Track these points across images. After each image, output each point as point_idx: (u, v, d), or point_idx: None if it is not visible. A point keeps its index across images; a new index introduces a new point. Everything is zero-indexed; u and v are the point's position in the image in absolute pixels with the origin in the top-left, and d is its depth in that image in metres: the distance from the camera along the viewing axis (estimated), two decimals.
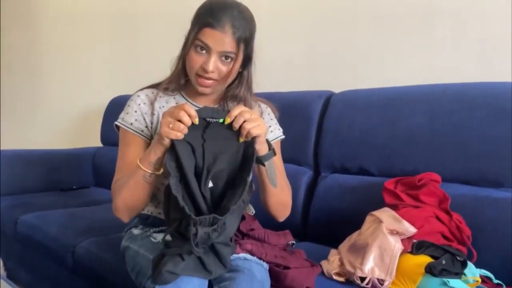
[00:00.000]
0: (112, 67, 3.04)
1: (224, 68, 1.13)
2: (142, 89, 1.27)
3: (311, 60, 2.04)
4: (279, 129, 1.32)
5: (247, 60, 1.20)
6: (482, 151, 1.33)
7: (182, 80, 1.22)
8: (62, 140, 3.33)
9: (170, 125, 0.96)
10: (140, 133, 1.20)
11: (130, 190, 1.08)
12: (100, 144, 2.70)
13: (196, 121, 0.97)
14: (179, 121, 0.96)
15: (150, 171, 1.04)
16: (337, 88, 1.76)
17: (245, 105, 1.20)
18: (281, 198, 1.20)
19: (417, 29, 1.72)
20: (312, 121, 1.71)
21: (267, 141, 1.06)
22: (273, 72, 2.15)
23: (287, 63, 2.13)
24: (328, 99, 1.72)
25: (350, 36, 1.91)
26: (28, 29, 3.70)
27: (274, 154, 1.07)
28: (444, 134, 1.39)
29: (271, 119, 1.31)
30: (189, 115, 0.96)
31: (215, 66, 1.11)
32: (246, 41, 1.14)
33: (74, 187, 2.51)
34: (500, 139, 1.30)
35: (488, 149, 1.32)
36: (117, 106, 2.37)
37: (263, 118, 1.28)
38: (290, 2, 2.10)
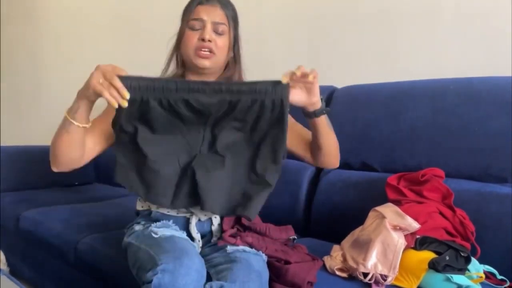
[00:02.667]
0: (114, 61, 3.03)
1: (219, 41, 1.20)
2: None
3: (314, 55, 2.03)
4: None
5: (235, 42, 1.27)
6: (485, 146, 1.32)
7: (179, 71, 1.27)
8: None
9: (100, 80, 0.96)
10: None
11: (56, 137, 1.08)
12: None
13: (125, 94, 0.95)
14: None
15: (70, 119, 1.03)
16: (339, 83, 1.75)
17: None
18: (335, 141, 1.23)
19: (420, 24, 1.71)
20: None
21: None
22: (275, 67, 2.14)
23: (289, 59, 2.12)
24: (330, 94, 1.71)
25: (353, 31, 1.90)
26: (31, 25, 3.70)
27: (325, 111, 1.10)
28: (448, 129, 1.38)
29: None
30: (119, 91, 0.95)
31: (211, 35, 1.18)
32: (234, 20, 1.24)
33: (76, 183, 2.51)
34: (504, 133, 1.29)
35: (492, 144, 1.31)
36: None
37: None
38: None
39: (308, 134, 1.22)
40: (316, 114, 1.09)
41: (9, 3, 3.88)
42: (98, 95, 0.97)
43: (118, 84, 0.96)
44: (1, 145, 2.39)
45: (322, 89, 1.72)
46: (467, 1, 1.59)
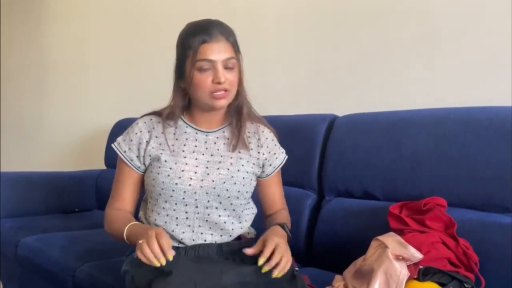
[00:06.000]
0: (118, 89, 3.07)
1: (231, 76, 1.16)
2: (143, 116, 1.30)
3: (315, 83, 2.05)
4: (282, 152, 1.35)
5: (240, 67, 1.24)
6: (487, 175, 1.32)
7: (180, 109, 1.25)
8: (65, 162, 3.33)
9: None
10: (129, 162, 1.25)
11: (113, 231, 1.21)
12: (103, 167, 2.70)
13: (169, 257, 0.98)
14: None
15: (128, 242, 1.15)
16: (340, 112, 1.76)
17: (244, 124, 1.26)
18: None
19: (420, 53, 1.73)
20: (316, 144, 1.70)
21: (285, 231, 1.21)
22: (277, 95, 2.16)
23: (291, 87, 2.14)
24: (332, 122, 1.72)
25: (354, 60, 1.92)
26: (35, 50, 3.75)
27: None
28: (449, 158, 1.38)
29: (275, 145, 1.34)
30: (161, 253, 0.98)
31: (225, 76, 1.14)
32: (237, 45, 1.20)
33: (77, 209, 2.49)
34: (504, 163, 1.29)
35: (494, 173, 1.31)
36: (122, 128, 2.37)
37: (268, 147, 1.31)
38: (294, 26, 2.13)
39: (274, 205, 1.36)
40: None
41: (13, 30, 3.94)
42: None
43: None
44: (2, 170, 2.39)
45: (324, 117, 1.75)
46: (468, 30, 1.61)
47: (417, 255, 1.08)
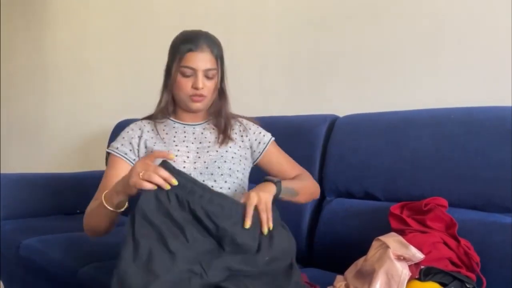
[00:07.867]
0: (119, 90, 3.07)
1: (209, 84, 1.29)
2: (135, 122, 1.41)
3: (315, 84, 2.06)
4: (268, 133, 1.45)
5: (222, 77, 1.35)
6: (488, 175, 1.32)
7: (170, 107, 1.36)
8: (67, 163, 3.33)
9: (141, 174, 1.02)
10: (123, 156, 1.33)
11: (94, 216, 1.25)
12: (105, 168, 2.69)
13: (174, 182, 1.02)
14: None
15: (111, 209, 1.15)
16: (341, 112, 1.76)
17: (227, 119, 1.37)
18: (307, 194, 1.37)
19: (420, 54, 1.73)
20: (316, 145, 1.71)
21: (272, 182, 1.20)
22: (277, 95, 2.16)
23: (291, 87, 2.14)
24: (332, 123, 1.72)
25: (355, 60, 1.92)
26: (36, 52, 3.76)
27: (279, 187, 1.20)
28: (450, 158, 1.39)
29: (258, 127, 1.44)
30: (164, 177, 1.02)
31: (203, 83, 1.27)
32: (221, 58, 1.32)
33: (78, 211, 2.49)
34: (505, 163, 1.29)
35: (494, 174, 1.31)
36: (123, 130, 2.38)
37: (250, 129, 1.41)
38: (294, 26, 2.13)
39: (287, 172, 1.40)
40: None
41: (14, 31, 3.94)
42: (139, 188, 1.03)
43: (165, 174, 1.02)
44: (3, 172, 2.39)
45: (324, 117, 1.76)
46: (469, 31, 1.62)
47: (418, 255, 1.08)
